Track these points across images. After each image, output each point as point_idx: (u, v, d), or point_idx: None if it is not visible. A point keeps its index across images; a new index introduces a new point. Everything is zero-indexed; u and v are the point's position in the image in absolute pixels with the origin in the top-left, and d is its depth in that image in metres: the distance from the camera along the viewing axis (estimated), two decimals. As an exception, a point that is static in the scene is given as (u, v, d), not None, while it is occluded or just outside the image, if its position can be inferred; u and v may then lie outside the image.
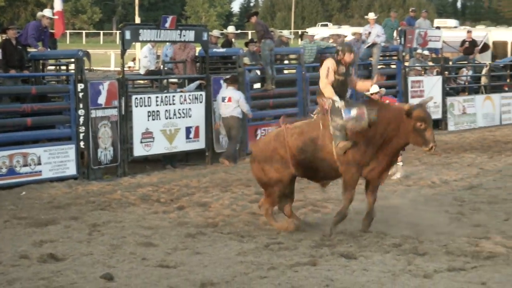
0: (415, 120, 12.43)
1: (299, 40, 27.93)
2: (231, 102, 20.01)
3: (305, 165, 12.65)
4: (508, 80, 32.30)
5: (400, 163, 17.90)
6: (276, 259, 10.96)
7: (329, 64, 12.71)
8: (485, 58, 36.03)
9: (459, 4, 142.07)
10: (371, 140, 12.44)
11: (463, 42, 33.40)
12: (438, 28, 34.52)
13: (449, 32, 35.44)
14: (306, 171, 12.83)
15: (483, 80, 31.04)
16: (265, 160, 12.68)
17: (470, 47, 33.21)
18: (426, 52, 29.11)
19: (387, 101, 18.14)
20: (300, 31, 47.73)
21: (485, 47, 36.73)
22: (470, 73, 31.56)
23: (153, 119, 19.14)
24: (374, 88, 18.44)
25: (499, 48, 38.88)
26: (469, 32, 34.65)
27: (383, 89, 17.82)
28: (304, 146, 12.53)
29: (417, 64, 28.53)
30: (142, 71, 23.47)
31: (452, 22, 44.59)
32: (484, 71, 31.29)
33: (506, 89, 31.52)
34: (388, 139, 12.52)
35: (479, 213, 14.05)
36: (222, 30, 26.73)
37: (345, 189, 12.69)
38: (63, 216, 13.98)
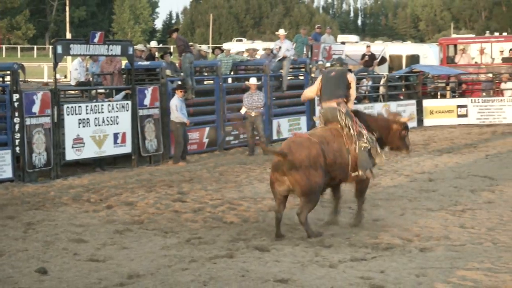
0: (403, 128, 12.88)
1: (212, 54, 27.95)
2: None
3: (329, 171, 12.21)
4: (403, 90, 32.84)
5: None
6: (196, 252, 10.96)
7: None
8: (383, 70, 36.52)
9: (359, 22, 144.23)
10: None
11: (363, 55, 33.88)
12: (343, 43, 34.90)
13: (351, 47, 35.85)
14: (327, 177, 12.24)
15: (381, 90, 31.48)
16: (310, 166, 11.86)
17: (369, 60, 33.71)
18: (328, 64, 29.38)
19: None
20: (214, 46, 47.64)
21: (382, 60, 37.24)
22: (370, 83, 31.98)
23: (83, 126, 18.96)
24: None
25: (395, 61, 39.44)
26: (368, 46, 35.17)
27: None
28: (334, 153, 12.23)
29: (322, 76, 28.74)
30: (73, 83, 23.28)
31: (354, 37, 45.15)
32: (382, 82, 31.71)
33: (402, 97, 32.03)
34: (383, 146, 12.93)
35: (378, 209, 14.24)
36: (146, 45, 26.51)
37: (362, 193, 12.92)
38: (0, 216, 13.75)
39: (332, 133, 12.39)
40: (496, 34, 43.57)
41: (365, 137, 12.42)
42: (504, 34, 45.52)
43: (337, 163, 12.22)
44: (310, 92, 13.45)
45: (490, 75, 33.81)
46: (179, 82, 21.88)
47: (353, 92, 12.77)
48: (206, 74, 25.10)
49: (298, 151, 11.87)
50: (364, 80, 31.90)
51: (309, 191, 11.84)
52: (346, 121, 12.38)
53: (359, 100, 30.16)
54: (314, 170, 11.84)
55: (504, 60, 35.76)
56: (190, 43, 24.67)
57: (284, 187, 11.93)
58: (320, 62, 28.89)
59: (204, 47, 27.20)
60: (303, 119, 26.67)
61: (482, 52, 36.19)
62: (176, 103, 20.62)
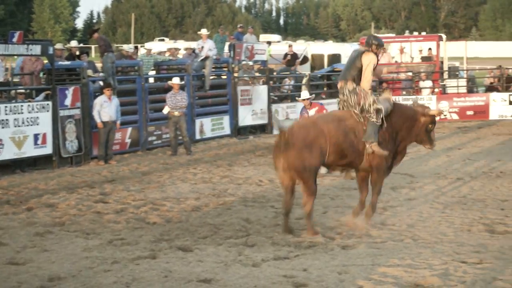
0: (430, 121, 12.64)
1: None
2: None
3: (339, 152, 12.05)
4: (325, 89, 33.11)
5: None
6: (119, 253, 10.85)
7: (374, 61, 12.35)
8: (305, 69, 36.83)
9: (281, 21, 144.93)
10: (394, 137, 12.46)
11: (286, 55, 34.08)
12: (269, 43, 35.00)
13: (273, 46, 36.00)
14: (337, 158, 12.12)
15: (304, 89, 31.67)
16: (305, 147, 11.76)
17: (292, 59, 33.93)
18: (250, 63, 29.50)
19: (316, 108, 18.58)
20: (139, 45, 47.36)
21: (305, 60, 37.55)
22: (292, 82, 32.18)
23: (2, 127, 18.61)
24: (305, 95, 18.89)
25: (317, 60, 39.81)
26: (290, 46, 35.39)
27: (313, 95, 18.18)
28: (343, 133, 12.03)
29: (245, 75, 28.87)
30: (-9, 83, 22.83)
31: (276, 37, 45.34)
32: (304, 81, 31.93)
33: (324, 96, 32.29)
34: (402, 137, 12.62)
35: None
36: (65, 44, 26.20)
37: (377, 183, 12.53)
38: None
39: (346, 113, 12.30)
40: (416, 33, 44.25)
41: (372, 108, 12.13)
42: (423, 33, 46.24)
43: (347, 142, 12.07)
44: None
45: (410, 74, 34.36)
46: (101, 83, 21.69)
47: (366, 74, 12.33)
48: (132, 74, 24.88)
49: (296, 132, 11.91)
50: (287, 79, 32.09)
51: (303, 171, 11.81)
52: (351, 98, 12.27)
53: (281, 99, 30.33)
54: (309, 152, 11.80)
55: (423, 59, 36.38)
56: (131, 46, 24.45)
57: (286, 172, 11.94)
58: (243, 62, 28.96)
59: (126, 46, 26.95)
60: (226, 119, 26.69)
61: (402, 51, 36.72)
62: (99, 101, 20.44)
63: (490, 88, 34.38)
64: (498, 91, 33.06)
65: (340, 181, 17.29)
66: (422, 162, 20.36)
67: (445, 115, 31.37)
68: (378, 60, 12.53)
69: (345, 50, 40.41)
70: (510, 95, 31.85)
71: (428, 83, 34.10)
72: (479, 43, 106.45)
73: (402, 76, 35.00)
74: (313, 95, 19.49)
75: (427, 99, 31.67)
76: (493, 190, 15.96)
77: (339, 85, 12.54)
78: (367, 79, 12.35)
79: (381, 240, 11.63)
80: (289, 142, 11.83)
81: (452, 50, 44.22)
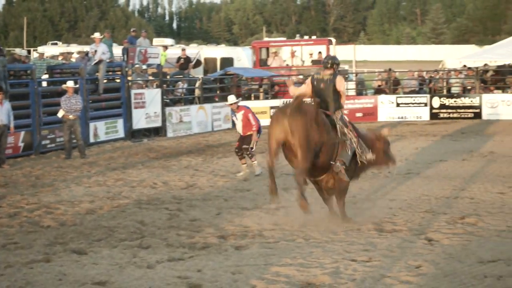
0: (385, 143, 13.13)
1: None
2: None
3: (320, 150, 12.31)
4: (218, 92, 33.21)
5: (255, 162, 18.90)
6: (12, 258, 10.65)
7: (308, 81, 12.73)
8: (198, 73, 36.87)
9: (175, 25, 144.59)
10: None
11: (179, 58, 34.01)
12: (165, 47, 34.83)
13: (168, 51, 35.89)
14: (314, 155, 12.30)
15: (197, 92, 31.72)
16: (314, 122, 12.01)
17: (185, 63, 33.89)
18: (144, 66, 29.37)
19: (242, 111, 18.64)
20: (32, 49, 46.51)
21: (198, 63, 37.58)
22: (186, 86, 32.17)
23: None
24: (232, 99, 18.92)
25: (210, 64, 39.87)
26: (183, 50, 35.34)
27: (240, 99, 18.20)
28: (326, 135, 12.32)
29: (138, 79, 28.71)
30: None
31: (169, 41, 45.22)
32: (197, 84, 31.98)
33: (217, 99, 32.36)
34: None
35: (194, 209, 14.35)
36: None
37: (341, 194, 13.00)
38: None
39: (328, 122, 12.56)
40: (306, 37, 44.79)
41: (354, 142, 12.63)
42: (313, 37, 46.83)
43: (329, 145, 12.35)
44: (303, 96, 12.79)
45: (301, 76, 34.80)
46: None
47: (343, 96, 12.90)
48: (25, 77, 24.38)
49: (311, 107, 12.32)
50: (180, 82, 32.06)
51: (305, 141, 11.92)
52: (341, 126, 12.67)
53: (174, 102, 30.28)
54: (316, 127, 12.04)
55: (314, 62, 36.92)
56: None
57: (283, 135, 12.00)
58: (136, 65, 28.80)
59: (18, 50, 26.41)
60: (120, 122, 26.46)
61: (293, 55, 37.18)
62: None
63: (378, 91, 35.16)
64: (386, 93, 33.84)
65: (233, 183, 17.41)
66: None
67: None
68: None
69: (238, 53, 40.68)
70: (397, 97, 32.66)
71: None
72: (368, 46, 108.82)
73: (294, 79, 35.40)
74: (240, 99, 19.75)
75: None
76: (382, 190, 16.33)
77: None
78: (344, 99, 12.97)
79: (273, 240, 11.76)
80: (303, 108, 12.06)
81: (342, 53, 45.06)
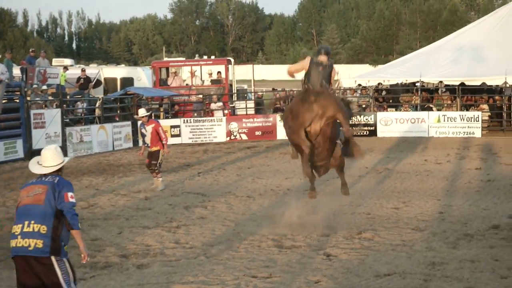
0: None
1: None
2: None
3: None
4: (118, 111, 32.91)
5: (161, 178, 19.09)
6: None
7: (302, 63, 13.43)
8: (98, 92, 36.47)
9: (74, 45, 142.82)
10: None
11: (79, 78, 33.56)
12: (66, 68, 34.28)
13: (66, 70, 35.35)
14: None
15: (97, 112, 31.35)
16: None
17: (85, 83, 33.46)
18: (44, 87, 28.87)
19: (153, 124, 18.54)
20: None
21: (98, 83, 37.16)
22: (85, 105, 31.76)
23: None
24: (143, 112, 18.75)
25: (110, 84, 39.51)
26: (83, 70, 34.91)
27: (150, 112, 18.06)
28: None
29: (37, 99, 28.18)
30: None
31: (69, 61, 44.59)
32: (98, 104, 31.61)
33: (117, 119, 32.07)
34: None
35: (96, 228, 14.15)
36: None
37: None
38: None
39: None
40: (205, 57, 44.88)
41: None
42: (212, 57, 46.96)
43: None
44: (295, 69, 13.80)
45: (201, 96, 34.83)
46: None
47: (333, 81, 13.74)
48: None
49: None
50: (79, 102, 31.63)
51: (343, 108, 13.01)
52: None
53: (75, 122, 29.83)
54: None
55: (213, 82, 36.99)
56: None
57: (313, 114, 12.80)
58: (35, 86, 28.27)
59: None
60: (19, 142, 25.89)
61: (193, 74, 37.17)
62: None
63: (276, 110, 35.42)
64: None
65: (134, 202, 17.23)
66: (213, 181, 20.64)
67: (235, 136, 32.02)
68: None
69: (138, 73, 40.44)
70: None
71: (219, 105, 34.73)
72: (266, 66, 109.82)
73: (194, 98, 35.42)
74: (150, 112, 19.90)
75: (218, 120, 32.23)
76: (281, 207, 16.43)
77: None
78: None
79: (175, 258, 11.69)
80: (324, 92, 12.95)
81: (240, 73, 45.39)
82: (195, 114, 34.23)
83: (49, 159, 7.89)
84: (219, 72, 37.16)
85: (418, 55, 38.49)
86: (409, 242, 12.56)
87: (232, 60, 38.53)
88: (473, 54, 34.69)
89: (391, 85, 35.95)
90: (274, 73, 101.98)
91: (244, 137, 32.31)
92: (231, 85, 36.97)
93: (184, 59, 50.96)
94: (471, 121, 31.78)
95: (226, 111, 34.79)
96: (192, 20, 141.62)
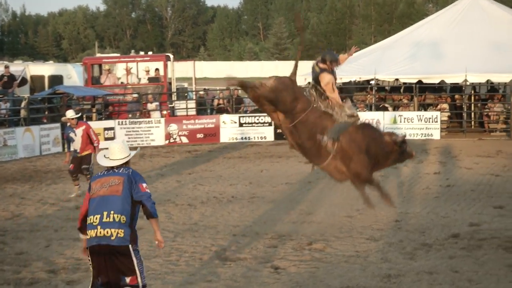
0: None
1: None
2: None
3: None
4: (46, 113, 32.56)
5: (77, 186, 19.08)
6: None
7: (329, 80, 13.47)
8: (24, 92, 36.01)
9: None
10: None
11: (2, 76, 33.14)
12: (7, 67, 33.83)
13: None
14: None
15: (23, 113, 30.97)
16: None
17: (9, 81, 33.04)
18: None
19: (83, 127, 18.41)
20: None
21: (23, 81, 36.71)
22: (9, 106, 31.37)
23: None
24: (71, 113, 18.55)
25: (37, 82, 39.06)
26: (7, 67, 34.46)
27: (79, 114, 17.98)
28: None
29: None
30: None
31: (-10, 57, 44.05)
32: (23, 104, 31.24)
33: (45, 121, 31.71)
34: None
35: (21, 241, 14.01)
36: None
37: None
38: None
39: None
40: (142, 53, 44.67)
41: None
42: (150, 53, 46.78)
43: None
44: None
45: (137, 95, 34.64)
46: None
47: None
48: None
49: None
50: (1, 103, 31.23)
51: None
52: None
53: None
54: None
55: (150, 80, 36.81)
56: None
57: None
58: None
59: None
60: None
61: (128, 72, 36.96)
62: None
63: (220, 110, 35.45)
64: (228, 112, 34.16)
65: (64, 212, 17.09)
66: (151, 188, 20.49)
67: (174, 139, 31.92)
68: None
69: (68, 71, 40.07)
70: (240, 116, 33.01)
71: (156, 105, 34.61)
72: (208, 63, 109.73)
73: (129, 98, 35.22)
74: (80, 114, 19.75)
75: (156, 122, 32.11)
76: (225, 215, 16.43)
77: None
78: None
79: (109, 273, 11.60)
80: None
81: (181, 70, 45.22)
82: (131, 115, 34.04)
83: (117, 152, 8.84)
84: (157, 69, 36.98)
85: (372, 51, 38.75)
86: (363, 253, 12.67)
87: (171, 56, 38.37)
88: (431, 50, 35.09)
89: (343, 83, 36.17)
90: (217, 70, 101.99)
91: (185, 140, 32.21)
92: (170, 84, 36.79)
93: (118, 55, 50.86)
94: (429, 122, 32.12)
95: (164, 112, 34.65)
96: (128, 12, 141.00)
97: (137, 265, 8.54)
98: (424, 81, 33.59)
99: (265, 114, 33.32)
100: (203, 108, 36.64)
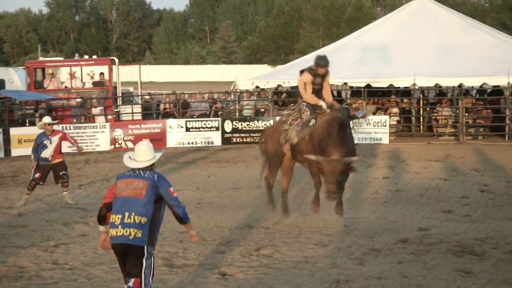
0: None
1: None
2: None
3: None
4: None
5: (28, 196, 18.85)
6: None
7: (304, 79, 14.86)
8: (-37, 97, 35.52)
9: None
10: None
11: None
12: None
13: None
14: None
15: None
16: None
17: None
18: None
19: (59, 134, 18.46)
20: None
21: (-39, 86, 36.28)
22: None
23: None
24: (48, 119, 18.31)
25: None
26: None
27: (56, 121, 17.85)
28: None
29: None
30: None
31: None
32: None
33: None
34: None
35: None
36: None
37: None
38: None
39: None
40: (86, 57, 44.35)
41: None
42: (94, 57, 46.44)
43: None
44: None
45: (81, 100, 34.39)
46: None
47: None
48: None
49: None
50: None
51: None
52: None
53: None
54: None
55: (95, 84, 36.59)
56: None
57: None
58: None
59: None
60: None
61: (72, 76, 36.68)
62: None
63: (166, 115, 35.34)
64: (174, 117, 34.08)
65: (6, 218, 16.91)
66: (96, 194, 20.43)
67: (120, 144, 31.75)
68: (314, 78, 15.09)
69: (10, 75, 39.68)
70: (187, 121, 32.94)
71: (101, 109, 34.39)
72: (154, 67, 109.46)
73: (73, 102, 34.96)
74: (56, 121, 19.68)
75: (101, 127, 31.90)
76: (171, 221, 16.32)
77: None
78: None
79: (53, 281, 11.53)
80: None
81: (126, 74, 45.04)
82: (75, 120, 33.78)
83: (143, 154, 9.27)
84: (101, 73, 36.77)
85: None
86: (312, 259, 12.73)
87: (117, 60, 38.17)
88: (379, 54, 35.36)
89: (291, 87, 36.27)
90: (164, 74, 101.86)
91: (130, 145, 31.99)
92: (115, 88, 36.61)
93: (62, 58, 50.23)
94: (378, 126, 32.36)
95: (110, 117, 34.46)
96: (71, 15, 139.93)
97: (145, 269, 8.94)
98: (373, 85, 33.83)
99: (213, 119, 33.36)
100: (149, 112, 36.48)
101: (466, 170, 23.50)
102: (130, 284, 8.94)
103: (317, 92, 15.12)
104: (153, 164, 9.31)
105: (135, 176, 9.15)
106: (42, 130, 19.04)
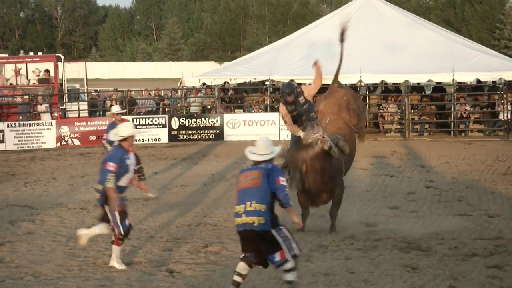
0: None
1: None
2: None
3: None
4: None
5: None
6: None
7: (282, 112, 15.01)
8: None
9: None
10: None
11: None
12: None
13: None
14: None
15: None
16: None
17: None
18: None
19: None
20: None
21: None
22: None
23: None
24: (117, 109, 17.66)
25: None
26: None
27: (125, 110, 17.39)
28: None
29: None
30: None
31: None
32: None
33: None
34: None
35: None
36: None
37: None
38: None
39: None
40: (31, 53, 43.96)
41: None
42: (40, 53, 46.09)
43: None
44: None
45: (27, 97, 34.05)
46: None
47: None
48: None
49: None
50: None
51: None
52: None
53: None
54: None
55: (41, 81, 36.25)
56: None
57: None
58: None
59: None
60: None
61: (17, 73, 36.31)
62: None
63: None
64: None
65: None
66: (42, 192, 20.26)
67: (66, 141, 31.49)
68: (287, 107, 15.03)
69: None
70: (133, 118, 32.75)
71: (47, 106, 34.07)
72: (100, 63, 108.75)
73: (19, 100, 34.60)
74: (126, 110, 19.08)
75: (47, 124, 31.60)
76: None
77: None
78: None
79: (-1, 279, 11.41)
80: None
81: (72, 71, 44.65)
82: (21, 117, 33.43)
83: (262, 149, 10.16)
84: (47, 70, 36.44)
85: (267, 52, 38.97)
86: (260, 255, 12.73)
87: (62, 57, 37.85)
88: (326, 51, 35.35)
89: (238, 84, 36.30)
90: (110, 71, 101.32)
91: (77, 142, 31.80)
92: (61, 85, 36.31)
93: (7, 55, 49.85)
94: (325, 122, 32.40)
95: (56, 114, 34.15)
96: (16, 11, 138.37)
97: (283, 242, 9.87)
98: (319, 82, 33.87)
99: (160, 116, 33.26)
100: (95, 109, 36.23)
101: (412, 167, 23.72)
102: (277, 258, 9.88)
103: (299, 117, 15.03)
104: (272, 158, 10.19)
105: (253, 169, 10.12)
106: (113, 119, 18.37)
